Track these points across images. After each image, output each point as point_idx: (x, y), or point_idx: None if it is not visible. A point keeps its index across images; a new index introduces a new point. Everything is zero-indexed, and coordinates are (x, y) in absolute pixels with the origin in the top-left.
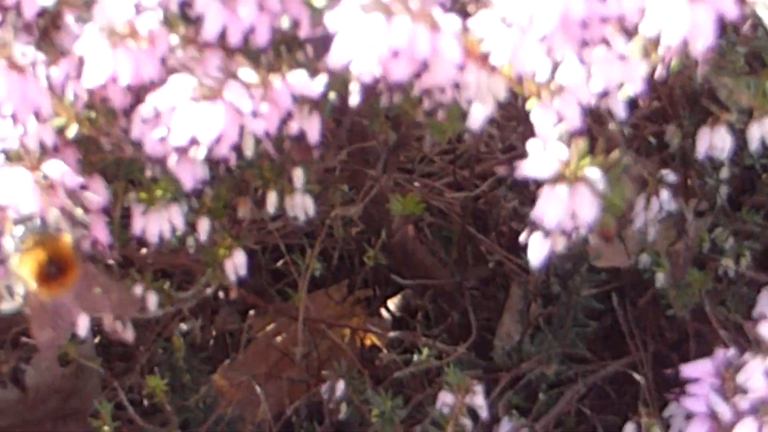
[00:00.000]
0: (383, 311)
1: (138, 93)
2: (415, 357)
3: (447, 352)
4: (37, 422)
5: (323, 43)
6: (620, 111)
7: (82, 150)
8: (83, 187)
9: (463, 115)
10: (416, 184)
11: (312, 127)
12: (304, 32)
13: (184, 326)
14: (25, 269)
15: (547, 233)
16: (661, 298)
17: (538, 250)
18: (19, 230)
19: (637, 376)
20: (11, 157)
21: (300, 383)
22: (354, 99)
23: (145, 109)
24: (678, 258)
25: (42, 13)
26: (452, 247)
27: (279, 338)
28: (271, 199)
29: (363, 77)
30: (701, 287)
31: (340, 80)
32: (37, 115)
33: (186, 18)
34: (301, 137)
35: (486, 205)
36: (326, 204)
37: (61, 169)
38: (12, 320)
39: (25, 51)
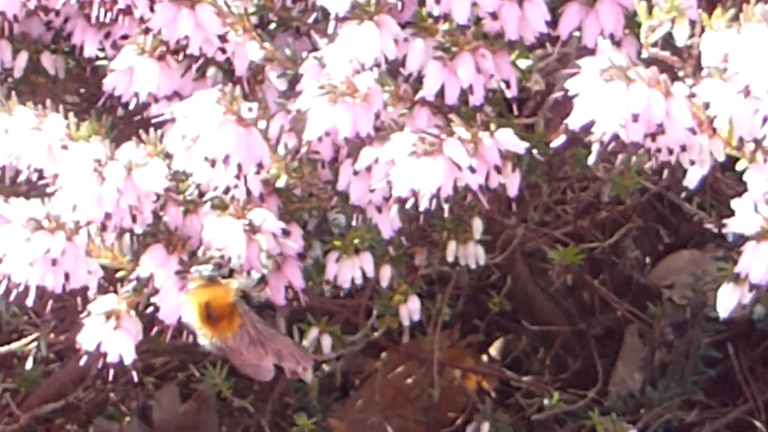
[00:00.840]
0: (485, 356)
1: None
2: (546, 401)
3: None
4: None
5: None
6: None
7: (283, 199)
8: (285, 233)
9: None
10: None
11: (513, 182)
12: (512, 92)
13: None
14: (189, 308)
15: (752, 287)
16: None
17: (728, 300)
18: (207, 269)
19: (757, 423)
20: (216, 206)
21: (419, 423)
22: (592, 159)
23: (360, 162)
24: None
25: None
26: (569, 296)
27: (410, 380)
28: (451, 248)
29: (604, 138)
30: None
31: (538, 137)
32: (260, 166)
33: (392, 76)
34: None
35: (603, 254)
36: None
37: (265, 217)
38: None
39: (251, 106)
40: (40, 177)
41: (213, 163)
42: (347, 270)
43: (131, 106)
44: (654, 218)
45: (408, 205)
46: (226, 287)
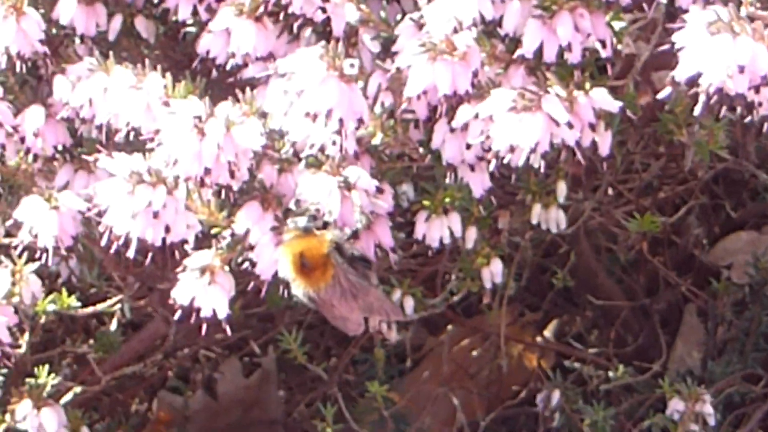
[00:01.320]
0: (539, 337)
1: (435, 106)
2: (611, 373)
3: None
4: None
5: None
6: None
7: (375, 159)
8: (379, 191)
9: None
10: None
11: (605, 141)
12: (607, 52)
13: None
14: (284, 258)
15: None
16: None
17: None
18: (302, 221)
19: None
20: (311, 164)
21: (482, 397)
22: (698, 109)
23: (458, 119)
24: None
25: None
26: (630, 274)
27: (475, 352)
28: (536, 210)
29: (710, 89)
30: None
31: (629, 97)
32: (360, 122)
33: (488, 36)
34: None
35: (664, 233)
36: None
37: (359, 175)
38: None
39: (353, 62)
40: (137, 135)
41: (315, 118)
42: (436, 229)
43: (225, 68)
44: (711, 201)
45: (505, 161)
46: (321, 238)
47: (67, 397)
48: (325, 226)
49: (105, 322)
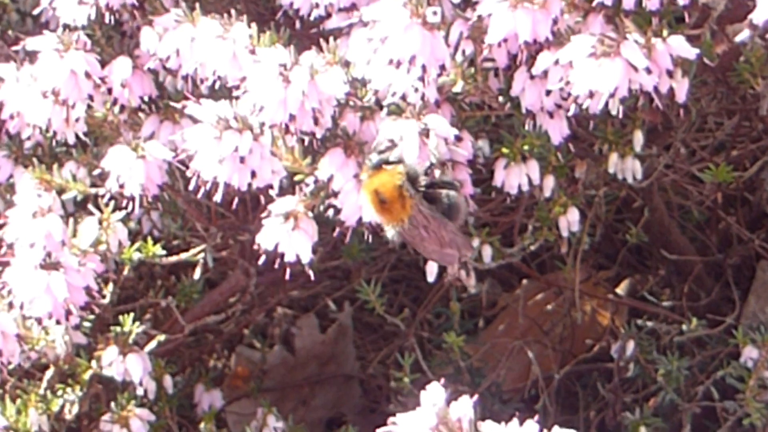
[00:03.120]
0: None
1: (515, 55)
2: (684, 326)
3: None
4: (297, 386)
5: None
6: None
7: (455, 107)
8: (458, 139)
9: None
10: None
11: (682, 88)
12: (684, 0)
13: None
14: (364, 199)
15: None
16: None
17: None
18: (374, 157)
19: None
20: (392, 111)
21: (556, 351)
22: None
23: (538, 66)
24: None
25: None
26: (703, 231)
27: (549, 306)
28: (613, 160)
29: None
30: None
31: (706, 45)
32: (442, 68)
33: None
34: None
35: (737, 191)
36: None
37: (439, 122)
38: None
39: (436, 10)
40: (222, 85)
41: (398, 65)
42: (514, 176)
43: (309, 19)
44: None
45: (584, 107)
46: (392, 172)
47: (151, 345)
48: (399, 161)
49: (185, 278)
